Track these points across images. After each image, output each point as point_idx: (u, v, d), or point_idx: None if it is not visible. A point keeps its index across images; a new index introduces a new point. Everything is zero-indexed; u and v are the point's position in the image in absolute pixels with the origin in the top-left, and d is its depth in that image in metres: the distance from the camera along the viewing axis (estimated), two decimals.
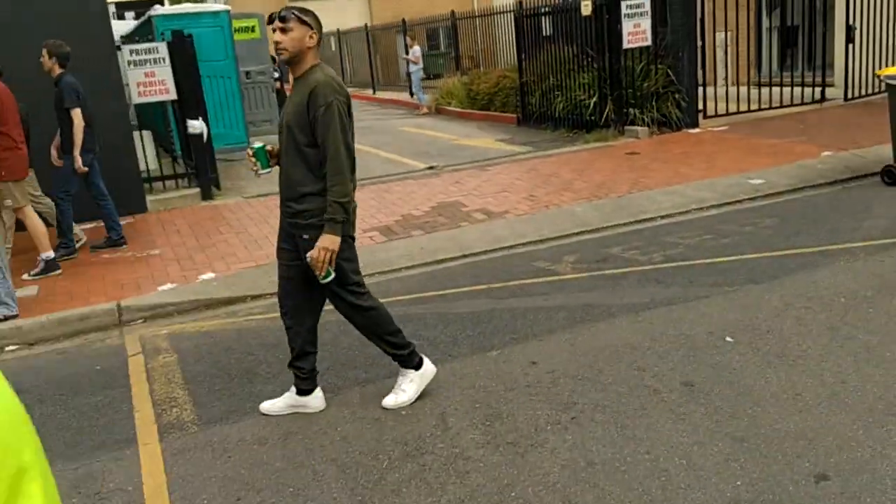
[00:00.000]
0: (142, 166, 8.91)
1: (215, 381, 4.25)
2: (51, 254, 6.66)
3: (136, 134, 9.01)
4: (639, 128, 10.87)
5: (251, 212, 8.46)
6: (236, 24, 13.13)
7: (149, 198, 8.77)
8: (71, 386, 4.47)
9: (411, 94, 19.54)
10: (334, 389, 3.97)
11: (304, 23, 3.37)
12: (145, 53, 8.59)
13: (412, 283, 5.95)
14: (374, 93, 23.69)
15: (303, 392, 3.70)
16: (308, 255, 3.36)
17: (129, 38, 10.91)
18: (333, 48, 27.39)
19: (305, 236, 3.44)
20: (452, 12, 18.99)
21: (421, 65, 17.72)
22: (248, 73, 13.30)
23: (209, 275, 6.46)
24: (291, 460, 3.27)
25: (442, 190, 8.80)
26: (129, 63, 8.53)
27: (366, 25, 24.68)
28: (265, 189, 9.68)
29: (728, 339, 4.09)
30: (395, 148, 12.37)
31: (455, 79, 17.78)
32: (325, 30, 22.53)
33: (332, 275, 3.43)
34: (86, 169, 6.94)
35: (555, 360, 4.03)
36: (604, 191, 8.07)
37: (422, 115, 17.44)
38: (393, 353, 3.73)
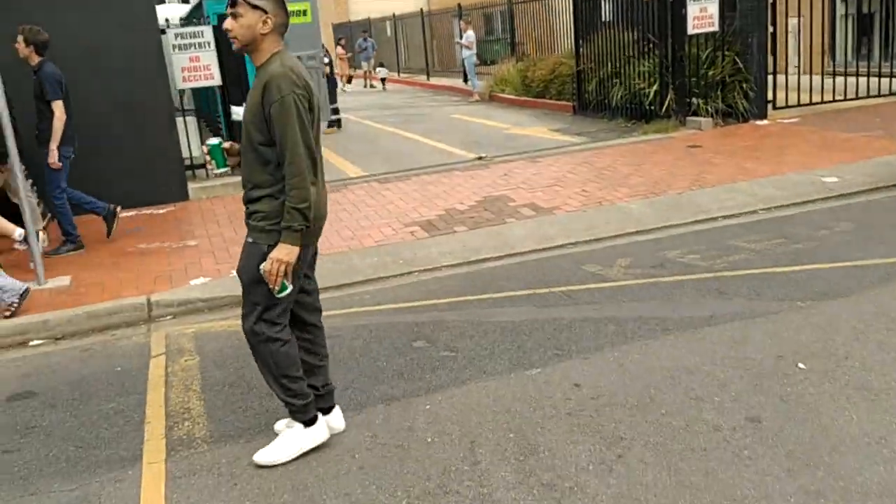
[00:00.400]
0: (186, 153, 8.74)
1: (234, 391, 3.97)
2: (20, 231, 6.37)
3: (180, 120, 8.85)
4: (702, 118, 10.26)
5: None
6: (290, 7, 12.88)
7: (191, 185, 8.60)
8: (87, 389, 4.24)
9: (465, 81, 19.10)
10: (357, 406, 3.65)
11: (255, 7, 2.99)
12: (190, 38, 8.39)
13: (451, 283, 5.59)
14: (428, 79, 23.32)
15: (321, 411, 3.37)
16: (261, 267, 2.98)
17: (186, 22, 10.79)
18: (389, 33, 27.10)
19: (249, 239, 3.07)
20: None
21: (474, 50, 17.28)
22: (298, 57, 13.02)
23: None
24: (301, 493, 2.95)
25: (489, 182, 8.40)
26: (173, 47, 8.33)
27: (421, 10, 24.28)
28: None
29: (800, 365, 3.62)
30: (444, 137, 11.99)
31: (510, 65, 17.29)
32: (381, 14, 22.60)
33: (289, 288, 3.06)
34: (59, 164, 6.64)
35: (601, 383, 3.62)
36: (662, 187, 7.56)
37: (474, 102, 17.00)
38: (285, 399, 3.21)
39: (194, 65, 8.40)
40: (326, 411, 3.37)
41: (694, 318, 4.33)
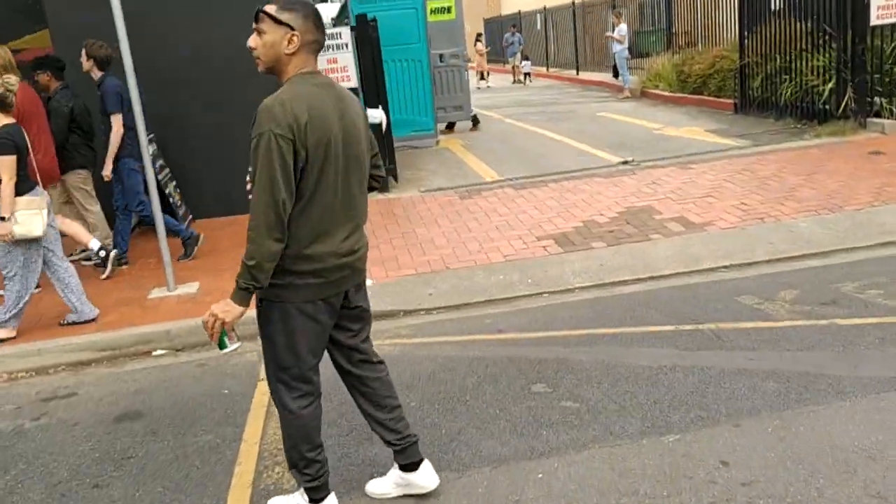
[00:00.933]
0: None
1: (334, 430, 3.64)
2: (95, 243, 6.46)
3: None
4: (885, 121, 8.99)
5: (423, 209, 7.89)
6: (431, 4, 12.65)
7: None
8: (192, 414, 4.08)
9: (615, 76, 18.18)
10: (460, 466, 3.20)
11: (279, 23, 2.56)
12: (329, 39, 8.23)
13: (583, 311, 5.02)
14: (577, 73, 22.50)
15: (405, 468, 2.96)
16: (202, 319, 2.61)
17: (336, 22, 10.79)
18: (539, 26, 26.45)
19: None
20: None
21: (626, 45, 16.34)
22: (440, 56, 12.79)
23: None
24: None
25: (634, 191, 7.70)
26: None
27: (573, 2, 23.45)
28: (445, 182, 9.12)
29: None
30: (589, 137, 11.31)
31: (665, 59, 16.22)
32: (531, 7, 21.81)
33: (230, 347, 2.65)
34: (110, 177, 6.57)
35: (754, 463, 2.97)
36: (837, 201, 6.58)
37: (624, 98, 16.09)
38: (297, 474, 2.84)
39: (332, 66, 8.26)
40: (409, 468, 2.95)
41: (877, 378, 3.55)
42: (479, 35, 23.55)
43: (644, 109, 14.06)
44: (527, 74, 23.57)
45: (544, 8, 25.89)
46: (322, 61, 8.23)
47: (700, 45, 15.85)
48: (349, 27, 8.35)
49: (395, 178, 9.10)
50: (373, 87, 8.51)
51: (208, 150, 8.05)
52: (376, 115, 8.47)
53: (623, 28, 16.31)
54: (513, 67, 24.12)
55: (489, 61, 24.14)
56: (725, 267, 5.60)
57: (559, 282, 5.63)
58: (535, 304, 5.33)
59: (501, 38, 25.85)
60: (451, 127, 13.42)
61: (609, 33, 17.50)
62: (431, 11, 12.67)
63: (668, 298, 5.07)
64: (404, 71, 11.58)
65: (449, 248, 6.54)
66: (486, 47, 23.54)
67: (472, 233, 6.91)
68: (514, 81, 23.61)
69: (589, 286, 5.53)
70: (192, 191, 8.04)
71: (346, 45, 8.29)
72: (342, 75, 8.34)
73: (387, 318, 5.39)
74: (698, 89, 13.64)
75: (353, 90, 8.89)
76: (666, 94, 14.93)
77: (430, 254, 6.46)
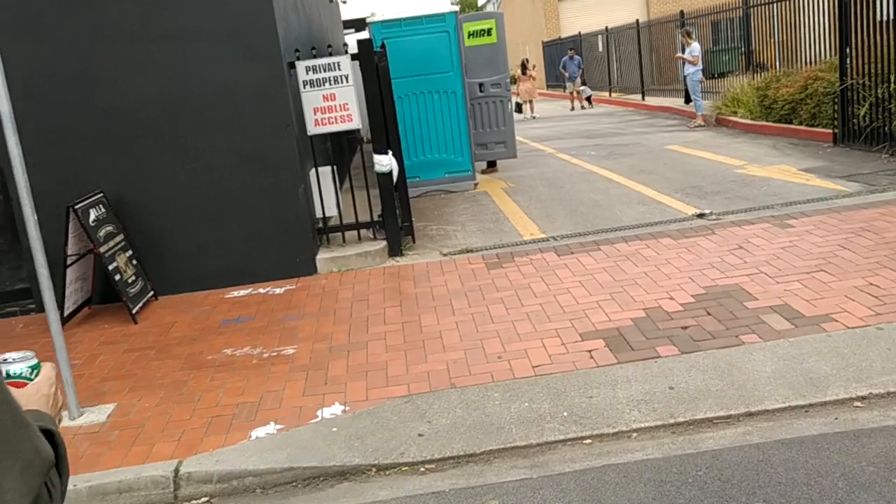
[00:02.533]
0: (318, 212, 7.05)
1: None
2: None
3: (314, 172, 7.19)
4: None
5: (439, 283, 6.17)
6: (469, 27, 11.02)
7: (322, 255, 6.86)
8: None
9: (686, 101, 16.20)
10: None
11: None
12: (324, 70, 6.68)
13: (641, 486, 3.20)
14: (642, 99, 20.53)
15: None
16: None
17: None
18: (601, 49, 24.60)
19: None
20: None
21: (699, 66, 14.35)
22: (480, 85, 11.12)
23: (333, 409, 4.24)
24: None
25: (715, 259, 5.82)
26: (303, 84, 6.68)
27: (636, 21, 21.54)
28: (475, 239, 7.41)
29: None
30: (654, 177, 9.43)
31: (744, 81, 14.18)
32: (592, 28, 19.65)
33: None
34: None
35: None
36: None
37: (697, 126, 14.10)
38: None
39: (329, 104, 6.69)
40: None
41: None
42: (525, 60, 21.70)
43: (721, 141, 12.06)
44: (588, 98, 21.73)
45: (606, 29, 24.04)
46: (317, 97, 6.65)
47: (785, 64, 13.76)
48: (349, 56, 6.76)
49: (413, 238, 7.42)
50: (380, 128, 6.88)
51: (179, 210, 6.54)
52: (384, 162, 6.84)
53: (695, 48, 14.34)
54: (571, 93, 22.34)
55: (548, 86, 22.20)
56: (862, 398, 3.70)
57: (609, 417, 3.83)
58: (570, 457, 3.57)
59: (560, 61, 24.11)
60: (492, 165, 11.71)
61: (679, 54, 15.54)
62: (469, 35, 11.04)
63: (777, 463, 3.21)
64: (436, 104, 9.95)
65: (460, 351, 4.80)
66: (531, 70, 21.20)
67: (494, 324, 5.15)
68: (573, 108, 21.77)
69: (653, 427, 3.72)
70: (156, 262, 6.52)
71: (346, 78, 6.70)
72: (342, 115, 6.76)
73: (353, 475, 3.69)
74: (786, 117, 11.59)
75: (354, 133, 7.31)
76: (746, 122, 12.90)
77: (434, 359, 4.73)
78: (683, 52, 14.80)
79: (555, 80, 26.69)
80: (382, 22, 9.74)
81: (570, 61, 22.02)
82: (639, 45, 21.15)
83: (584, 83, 22.34)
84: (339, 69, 6.68)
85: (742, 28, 16.02)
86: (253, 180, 6.49)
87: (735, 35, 17.15)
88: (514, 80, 17.92)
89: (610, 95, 23.64)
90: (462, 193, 10.00)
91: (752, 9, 15.22)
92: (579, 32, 27.17)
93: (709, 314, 4.84)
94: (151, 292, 6.46)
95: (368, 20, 9.73)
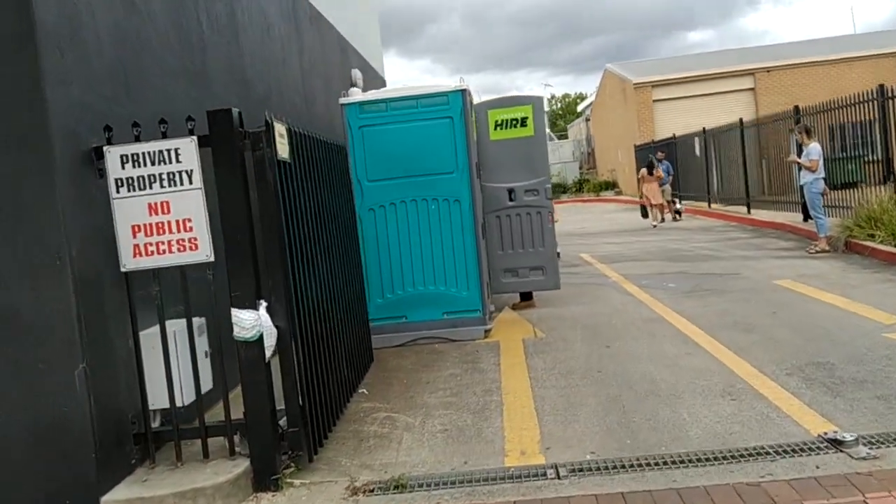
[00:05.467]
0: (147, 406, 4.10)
1: None
2: None
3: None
4: None
5: None
6: (496, 115, 8.21)
7: (120, 494, 3.81)
8: None
9: (805, 218, 12.70)
10: None
11: None
12: (151, 163, 3.90)
13: None
14: (748, 212, 17.04)
15: None
16: None
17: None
18: (698, 152, 21.35)
19: None
20: (881, 87, 11.89)
21: (821, 174, 10.87)
22: (510, 191, 8.19)
23: None
24: None
25: None
26: (116, 185, 3.90)
27: (740, 120, 18.28)
28: (420, 458, 4.26)
29: None
30: (754, 339, 6.08)
31: (883, 195, 10.66)
32: (689, 129, 15.72)
33: None
34: None
35: None
36: None
37: (819, 252, 10.56)
38: None
39: (158, 220, 3.87)
40: None
41: None
42: (653, 158, 18.69)
43: (854, 277, 8.54)
44: (678, 212, 18.40)
45: (704, 130, 20.84)
46: (138, 208, 3.84)
47: None
48: (195, 140, 3.93)
49: (315, 448, 4.33)
50: (242, 258, 3.94)
51: None
52: (248, 322, 3.89)
53: (814, 150, 10.93)
54: (659, 203, 19.03)
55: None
56: None
57: None
58: None
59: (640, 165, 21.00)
60: (527, 298, 8.59)
61: (793, 156, 12.14)
62: (496, 126, 8.21)
63: None
64: (433, 217, 7.06)
65: None
66: (658, 170, 18.31)
67: None
68: (660, 219, 18.39)
69: None
70: None
71: (189, 174, 3.88)
72: (180, 238, 3.91)
73: None
74: None
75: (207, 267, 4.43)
76: (889, 249, 9.34)
77: None
78: (799, 154, 11.42)
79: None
80: (361, 104, 7.03)
81: (659, 165, 18.86)
82: (743, 148, 17.81)
83: (675, 197, 19.21)
84: (180, 160, 3.87)
85: (880, 126, 12.48)
86: None
87: (863, 138, 13.62)
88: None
89: (709, 206, 20.20)
90: (463, 345, 6.91)
91: (890, 101, 11.76)
92: (673, 135, 24.06)
93: None
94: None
95: (341, 101, 7.04)
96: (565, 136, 53.16)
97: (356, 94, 7.06)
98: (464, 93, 7.00)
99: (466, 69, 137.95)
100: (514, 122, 8.25)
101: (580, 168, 42.06)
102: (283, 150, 4.21)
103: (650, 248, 13.24)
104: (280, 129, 4.19)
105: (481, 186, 8.20)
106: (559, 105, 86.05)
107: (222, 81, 5.81)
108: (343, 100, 7.03)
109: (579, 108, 54.03)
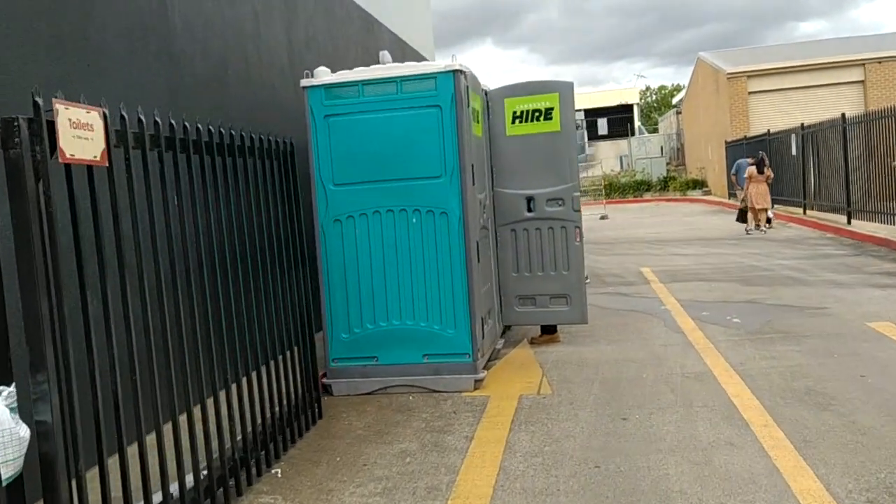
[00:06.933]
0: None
1: None
2: None
3: None
4: None
5: None
6: (514, 104, 6.63)
7: None
8: None
9: None
10: None
11: None
12: None
13: None
14: (848, 222, 14.73)
15: None
16: None
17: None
18: (794, 152, 18.93)
19: None
20: None
21: None
22: (529, 200, 6.61)
23: None
24: None
25: None
26: None
27: (842, 116, 15.88)
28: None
29: None
30: (832, 429, 4.30)
31: None
32: (785, 124, 13.46)
33: None
34: None
35: None
36: None
37: None
38: None
39: None
40: None
41: None
42: (763, 155, 16.58)
43: None
44: (768, 220, 16.15)
45: (802, 126, 18.42)
46: None
47: None
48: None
49: None
50: None
51: None
52: None
53: None
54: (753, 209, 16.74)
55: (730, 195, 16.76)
56: None
57: None
58: None
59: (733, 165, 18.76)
60: (549, 331, 6.97)
61: None
62: (515, 118, 6.63)
63: None
64: (413, 232, 5.55)
65: None
66: (768, 169, 16.21)
67: None
68: (756, 227, 16.00)
69: None
70: None
71: None
72: None
73: None
74: None
75: None
76: None
77: None
78: None
79: (731, 186, 21.27)
80: (328, 86, 5.58)
81: (746, 164, 16.65)
82: (844, 148, 15.43)
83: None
84: None
85: None
86: None
87: None
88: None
89: (804, 213, 17.82)
90: (443, 400, 5.39)
91: None
92: (768, 130, 21.59)
93: None
94: None
95: (303, 83, 5.60)
96: (656, 131, 50.37)
97: (323, 75, 5.61)
98: (456, 75, 5.44)
99: (563, 59, 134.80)
100: (537, 114, 6.64)
101: (667, 164, 39.43)
102: (80, 148, 2.81)
103: (724, 265, 11.29)
104: (77, 116, 2.79)
105: (493, 193, 6.65)
106: (654, 97, 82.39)
107: (118, 53, 4.46)
108: (305, 81, 5.59)
109: (675, 101, 51.07)
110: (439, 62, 5.60)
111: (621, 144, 43.28)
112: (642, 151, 39.20)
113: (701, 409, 4.79)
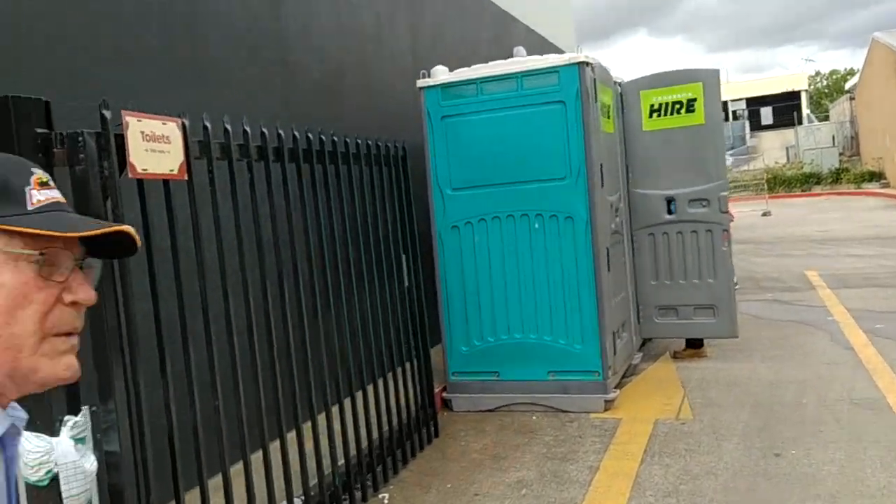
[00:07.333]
0: None
1: None
2: None
3: None
4: None
5: None
6: (651, 96, 6.06)
7: None
8: None
9: None
10: None
11: None
12: None
13: None
14: None
15: None
16: None
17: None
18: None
19: None
20: None
21: None
22: (669, 202, 6.01)
23: None
24: None
25: None
26: None
27: None
28: None
29: None
30: None
31: None
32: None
33: None
34: None
35: None
36: None
37: None
38: None
39: None
40: None
41: None
42: None
43: None
44: None
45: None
46: None
47: None
48: None
49: None
50: None
51: None
52: (32, 453, 2.38)
53: None
54: None
55: None
56: None
57: None
58: None
59: None
60: (695, 345, 6.32)
61: None
62: (652, 111, 6.06)
63: None
64: (536, 240, 5.15)
65: None
66: None
67: None
68: None
69: None
70: None
71: None
72: None
73: None
74: None
75: None
76: None
77: None
78: None
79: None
80: (445, 86, 5.29)
81: None
82: None
83: None
84: None
85: None
86: None
87: None
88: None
89: None
90: (570, 421, 4.95)
91: None
92: None
93: None
94: None
95: (419, 83, 5.34)
96: (827, 119, 46.54)
97: (440, 75, 5.32)
98: (581, 67, 4.97)
99: (724, 46, 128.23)
100: (678, 107, 6.02)
101: (840, 154, 36.25)
102: (155, 162, 2.66)
103: None
104: (151, 127, 2.64)
105: (628, 194, 6.11)
106: (825, 83, 76.47)
107: (239, 58, 4.38)
108: (421, 82, 5.33)
109: (847, 86, 46.98)
110: (563, 55, 5.16)
111: (787, 134, 40.30)
112: (811, 141, 36.26)
113: (871, 446, 4.06)
